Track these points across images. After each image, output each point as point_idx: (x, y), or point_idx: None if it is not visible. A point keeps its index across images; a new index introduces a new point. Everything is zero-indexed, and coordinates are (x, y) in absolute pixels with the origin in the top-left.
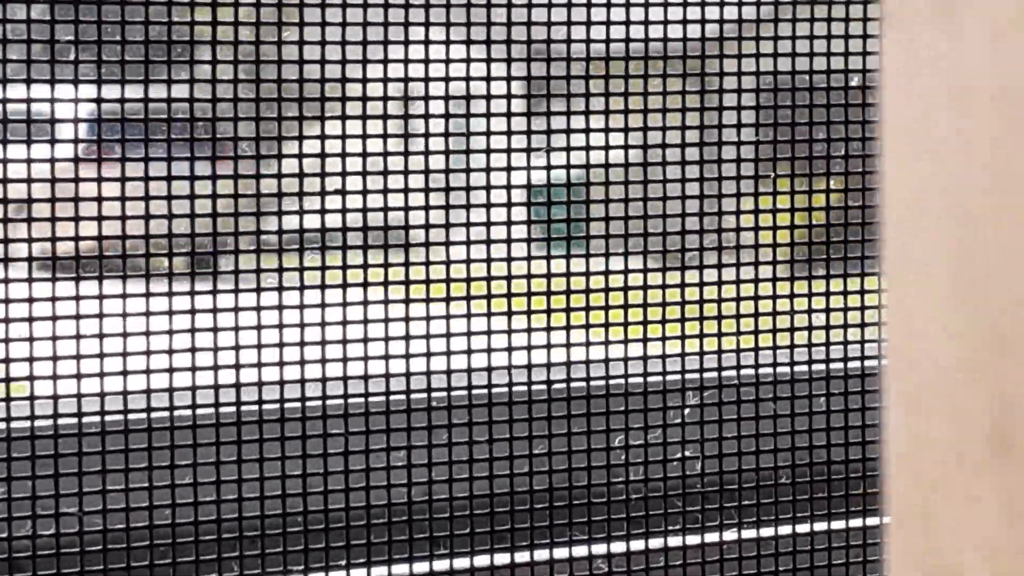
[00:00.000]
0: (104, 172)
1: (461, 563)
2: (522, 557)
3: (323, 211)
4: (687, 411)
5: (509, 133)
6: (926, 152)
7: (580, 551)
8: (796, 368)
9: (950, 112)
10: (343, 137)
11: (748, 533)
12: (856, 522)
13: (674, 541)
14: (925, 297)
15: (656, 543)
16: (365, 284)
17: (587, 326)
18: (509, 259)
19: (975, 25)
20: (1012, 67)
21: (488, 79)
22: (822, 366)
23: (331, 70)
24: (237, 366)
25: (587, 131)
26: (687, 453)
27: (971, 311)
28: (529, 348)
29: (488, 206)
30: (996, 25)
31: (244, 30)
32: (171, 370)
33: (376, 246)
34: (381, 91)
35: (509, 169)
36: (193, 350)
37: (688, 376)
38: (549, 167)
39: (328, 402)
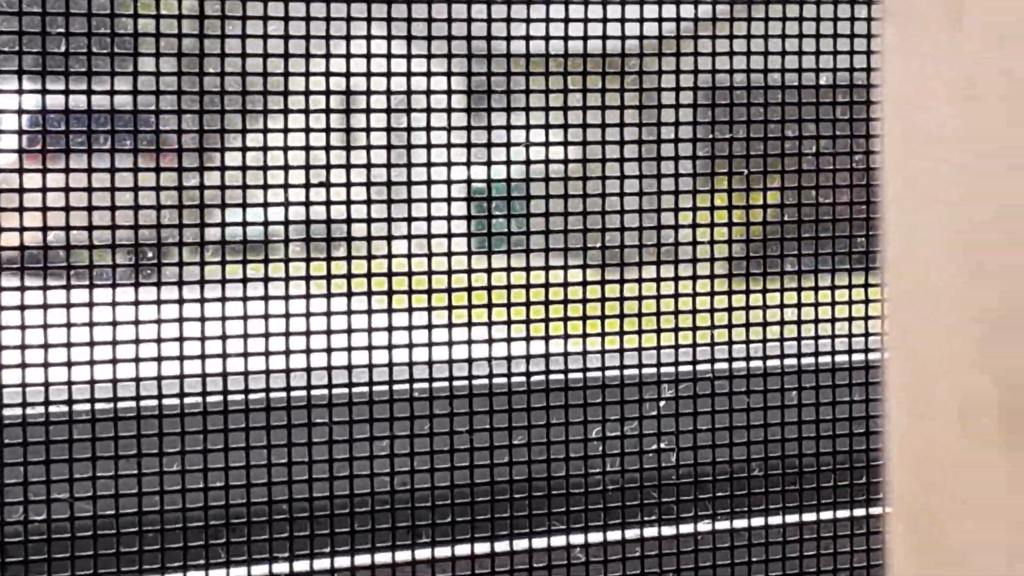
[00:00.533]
0: (47, 165)
1: (442, 552)
2: (502, 547)
3: (265, 204)
4: (658, 405)
5: (449, 130)
6: (930, 138)
7: (558, 540)
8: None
9: (952, 101)
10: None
11: (722, 524)
12: (827, 514)
13: (650, 532)
14: (928, 283)
15: (632, 533)
16: (308, 278)
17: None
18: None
19: (980, 20)
20: (1018, 61)
21: (428, 74)
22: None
23: (274, 65)
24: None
25: (527, 128)
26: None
27: (979, 291)
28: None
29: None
30: (1003, 20)
31: (187, 24)
32: (114, 361)
33: (318, 239)
34: (323, 88)
35: (450, 170)
36: (137, 342)
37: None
38: (490, 165)
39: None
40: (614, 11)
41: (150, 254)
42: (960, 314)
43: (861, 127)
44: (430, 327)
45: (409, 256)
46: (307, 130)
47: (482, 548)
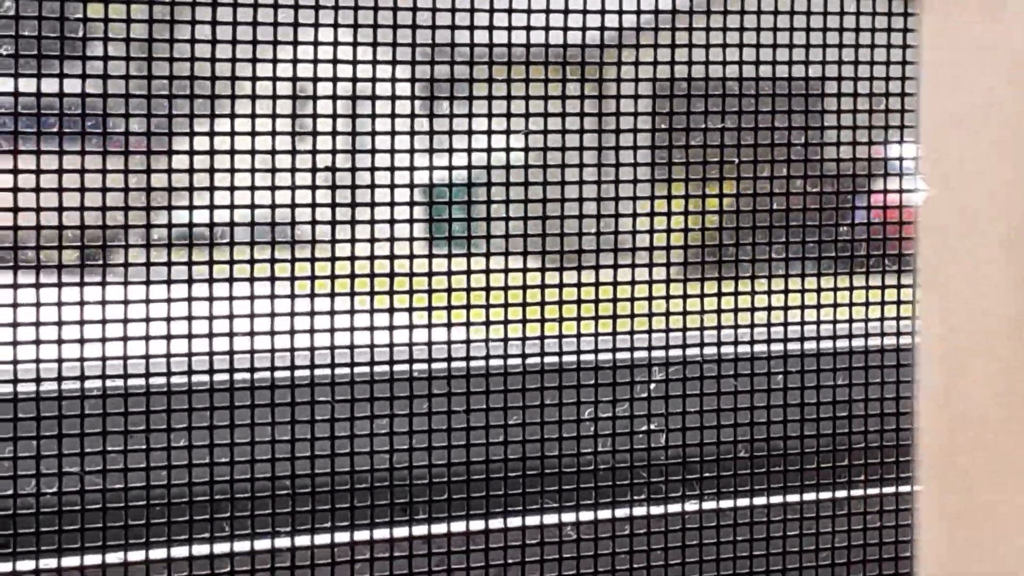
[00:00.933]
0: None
1: (438, 528)
2: (496, 524)
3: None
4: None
5: (394, 133)
6: (975, 119)
7: (551, 519)
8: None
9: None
10: (232, 134)
11: (708, 504)
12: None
13: (639, 511)
14: (967, 261)
15: (622, 512)
16: (252, 278)
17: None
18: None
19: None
20: None
21: (374, 80)
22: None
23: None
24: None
25: (489, 132)
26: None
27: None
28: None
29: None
30: None
31: (136, 26)
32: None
33: (263, 242)
34: (277, 86)
35: (395, 170)
36: (82, 341)
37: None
38: (448, 167)
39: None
40: (575, 14)
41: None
42: (999, 293)
43: (816, 119)
44: (428, 316)
45: (372, 244)
46: (253, 133)
47: (477, 525)
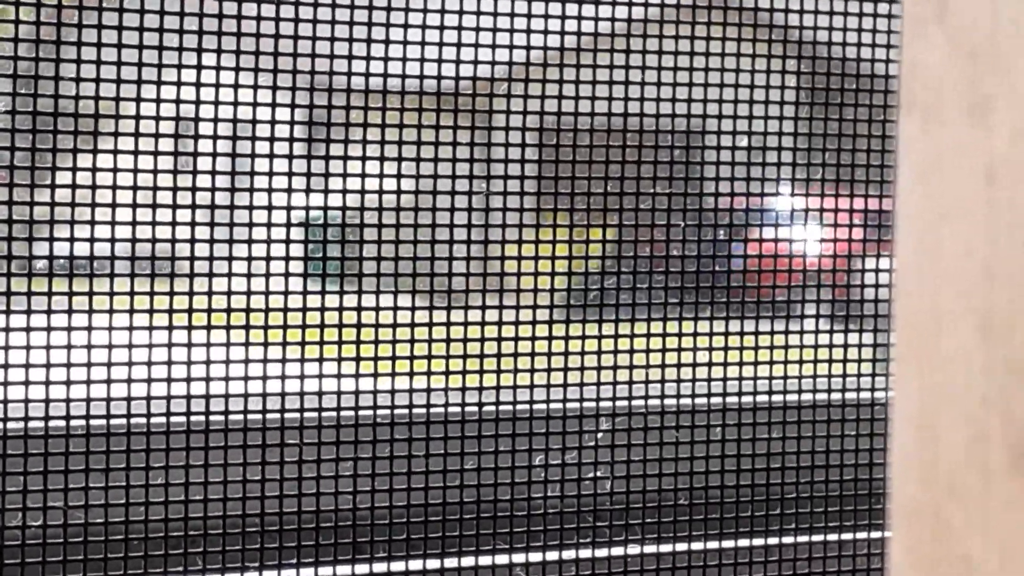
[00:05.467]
0: None
1: (397, 566)
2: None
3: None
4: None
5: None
6: (948, 215)
7: (502, 559)
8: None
9: (975, 186)
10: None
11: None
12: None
13: (584, 553)
14: (941, 338)
15: (568, 554)
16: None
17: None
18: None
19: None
20: None
21: (255, 104)
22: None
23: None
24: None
25: (363, 167)
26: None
27: (988, 350)
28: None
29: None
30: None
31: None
32: None
33: (144, 274)
34: (159, 113)
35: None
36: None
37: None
38: (322, 203)
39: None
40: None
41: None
42: (970, 366)
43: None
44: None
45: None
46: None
47: (433, 564)
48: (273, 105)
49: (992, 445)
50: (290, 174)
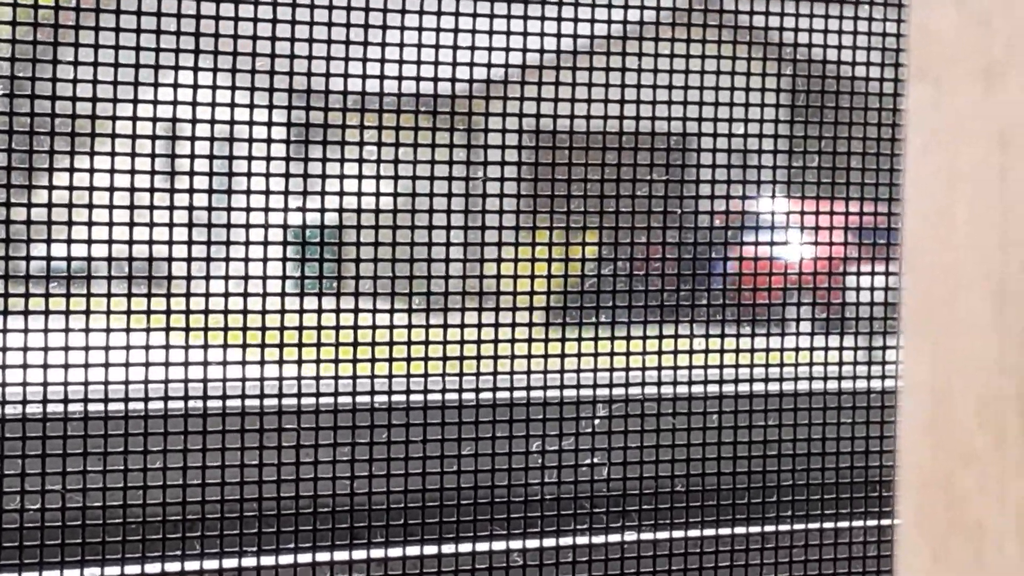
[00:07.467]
0: None
1: (395, 552)
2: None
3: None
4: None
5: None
6: (960, 183)
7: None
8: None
9: (988, 152)
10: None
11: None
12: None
13: (581, 540)
14: (956, 303)
15: (566, 541)
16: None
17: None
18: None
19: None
20: None
21: (252, 122)
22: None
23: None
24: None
25: (360, 176)
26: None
27: (1004, 316)
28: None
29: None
30: None
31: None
32: None
33: (139, 276)
34: (146, 126)
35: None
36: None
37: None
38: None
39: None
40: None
41: None
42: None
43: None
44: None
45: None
46: (132, 170)
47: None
48: (251, 106)
49: (1007, 411)
50: (287, 176)
